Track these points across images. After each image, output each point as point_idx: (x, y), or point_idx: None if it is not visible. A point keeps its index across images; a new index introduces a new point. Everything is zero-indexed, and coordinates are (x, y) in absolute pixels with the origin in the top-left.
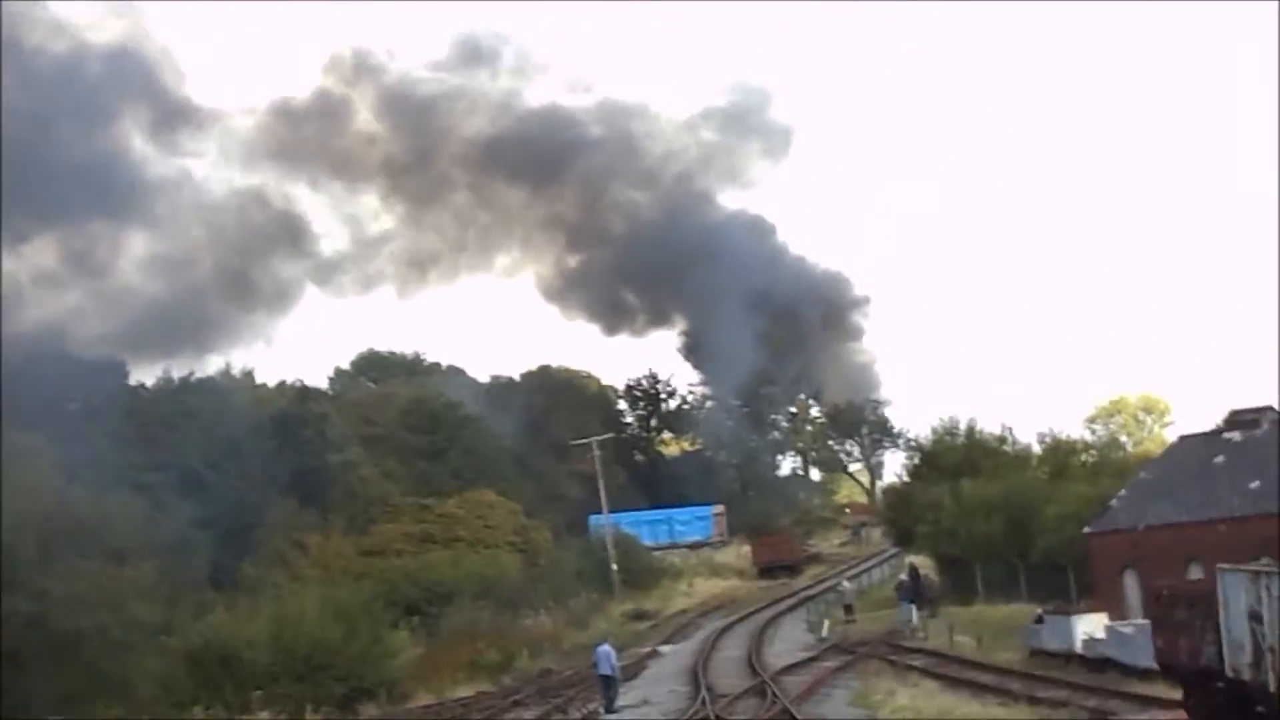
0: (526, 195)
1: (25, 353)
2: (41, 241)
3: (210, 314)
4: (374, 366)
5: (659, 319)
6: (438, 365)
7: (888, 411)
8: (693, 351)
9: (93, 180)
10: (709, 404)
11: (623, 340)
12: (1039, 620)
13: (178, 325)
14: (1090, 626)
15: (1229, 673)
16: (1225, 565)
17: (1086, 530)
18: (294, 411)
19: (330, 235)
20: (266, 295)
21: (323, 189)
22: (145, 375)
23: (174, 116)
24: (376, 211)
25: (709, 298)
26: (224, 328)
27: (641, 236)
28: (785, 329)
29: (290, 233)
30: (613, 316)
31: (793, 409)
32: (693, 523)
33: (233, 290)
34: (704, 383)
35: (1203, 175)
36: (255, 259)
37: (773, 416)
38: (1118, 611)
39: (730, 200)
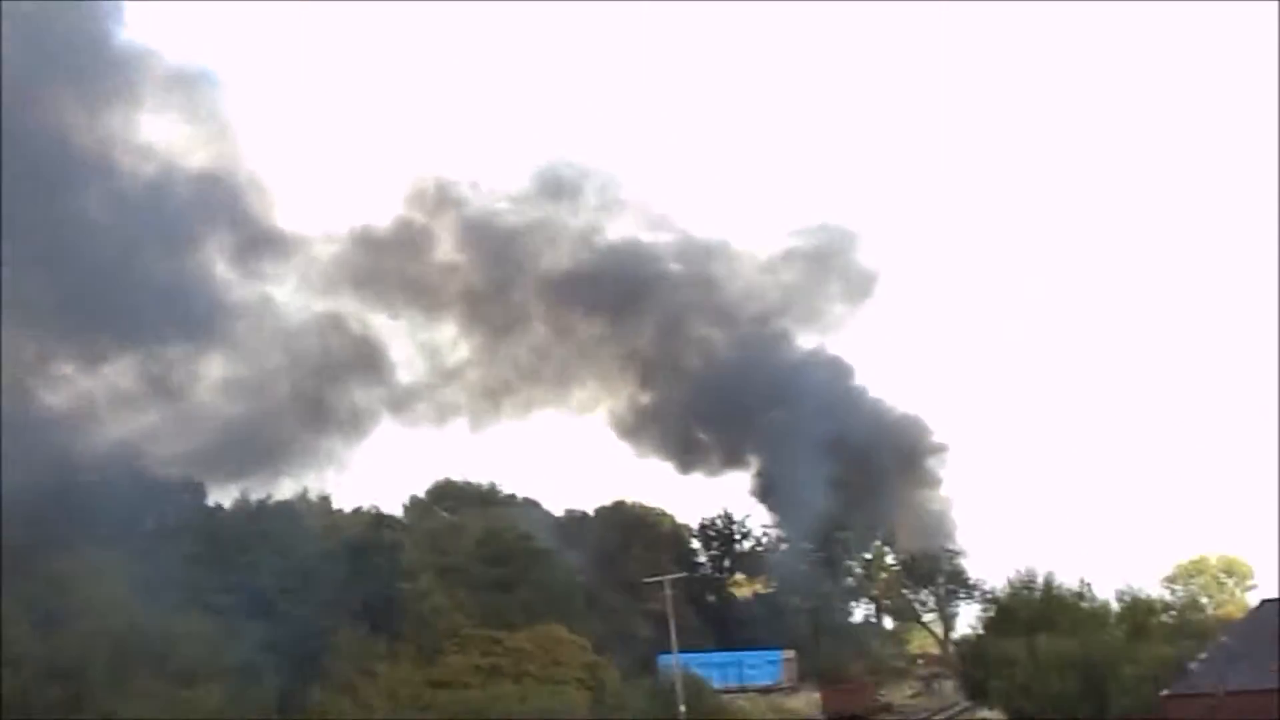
0: (603, 330)
1: (102, 471)
2: (121, 362)
3: (285, 437)
4: (449, 496)
5: (733, 459)
6: (512, 497)
7: (963, 561)
8: (766, 493)
9: (174, 303)
10: (782, 546)
11: (698, 478)
12: None
13: (252, 447)
14: None
15: None
16: None
17: (1165, 693)
18: (368, 538)
19: (407, 364)
20: (342, 420)
21: (401, 317)
22: (222, 497)
23: (257, 242)
24: (454, 341)
25: (783, 439)
26: (299, 451)
27: (717, 375)
28: (860, 473)
29: (367, 359)
30: (686, 455)
31: (867, 555)
32: (763, 666)
33: (308, 415)
34: (777, 525)
35: None
36: (331, 384)
37: (847, 562)
38: None
39: (809, 340)
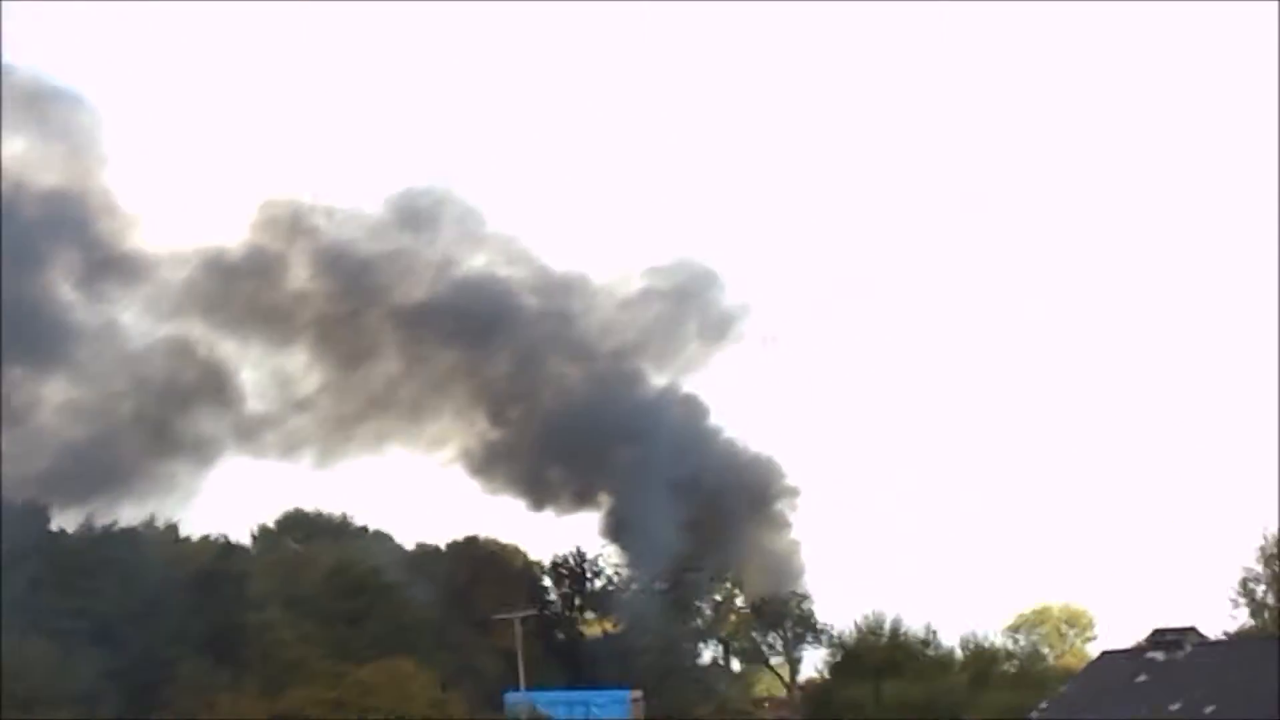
0: (457, 363)
1: None
2: None
3: (129, 462)
4: (299, 526)
5: (584, 497)
6: (364, 529)
7: (811, 605)
8: (617, 532)
9: (16, 323)
10: (633, 586)
11: (550, 516)
12: None
13: (96, 472)
14: None
15: None
16: None
17: None
18: (215, 567)
19: (257, 393)
20: (187, 447)
21: (251, 344)
22: (66, 522)
23: (105, 263)
24: (305, 370)
25: (635, 478)
26: (143, 477)
27: (570, 412)
28: (712, 514)
29: (214, 386)
30: (538, 492)
31: (717, 597)
32: (610, 707)
33: (153, 440)
34: (628, 564)
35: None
36: (177, 410)
37: (697, 603)
38: None
39: (666, 379)
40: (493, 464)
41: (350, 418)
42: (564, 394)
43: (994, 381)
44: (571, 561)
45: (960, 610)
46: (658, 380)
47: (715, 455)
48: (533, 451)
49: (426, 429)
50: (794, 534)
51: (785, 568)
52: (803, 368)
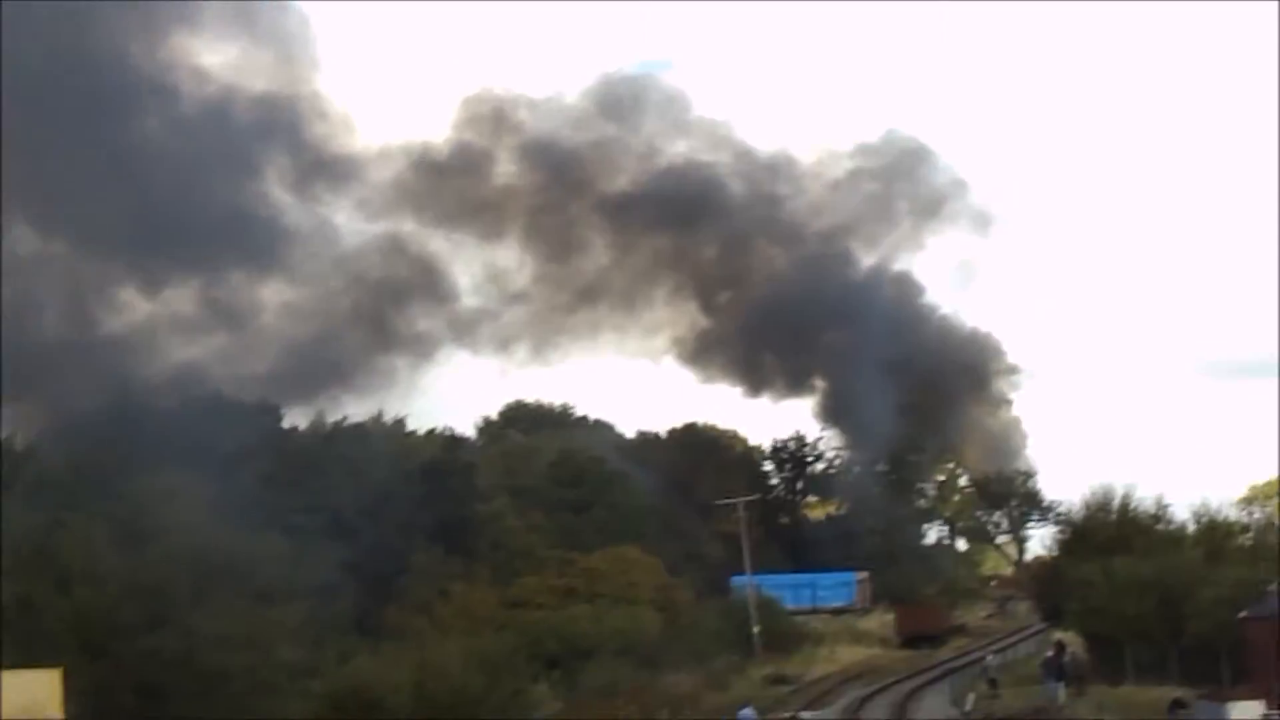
0: (665, 251)
1: (172, 395)
2: (182, 287)
3: (351, 359)
4: (521, 418)
5: (799, 382)
6: (584, 419)
7: (1037, 483)
8: (834, 415)
9: (234, 227)
10: (855, 470)
11: (768, 401)
12: (1178, 706)
13: (319, 370)
14: (1246, 713)
15: None
16: None
17: (1242, 615)
18: (442, 460)
19: (468, 289)
20: (406, 342)
21: (461, 241)
22: (297, 419)
23: (317, 165)
24: (515, 264)
25: (850, 360)
26: (365, 372)
27: (781, 296)
28: (930, 394)
29: (428, 282)
30: (752, 378)
31: (940, 477)
32: (836, 588)
33: (372, 336)
34: (848, 447)
35: None
36: (393, 306)
37: (919, 485)
38: (1274, 701)
39: (876, 258)
40: (706, 351)
41: (562, 309)
42: (774, 278)
43: (1219, 250)
44: (791, 446)
45: (1192, 485)
46: (868, 260)
47: (930, 334)
48: (744, 337)
49: (639, 318)
50: (1015, 411)
51: (1007, 445)
52: (1020, 244)
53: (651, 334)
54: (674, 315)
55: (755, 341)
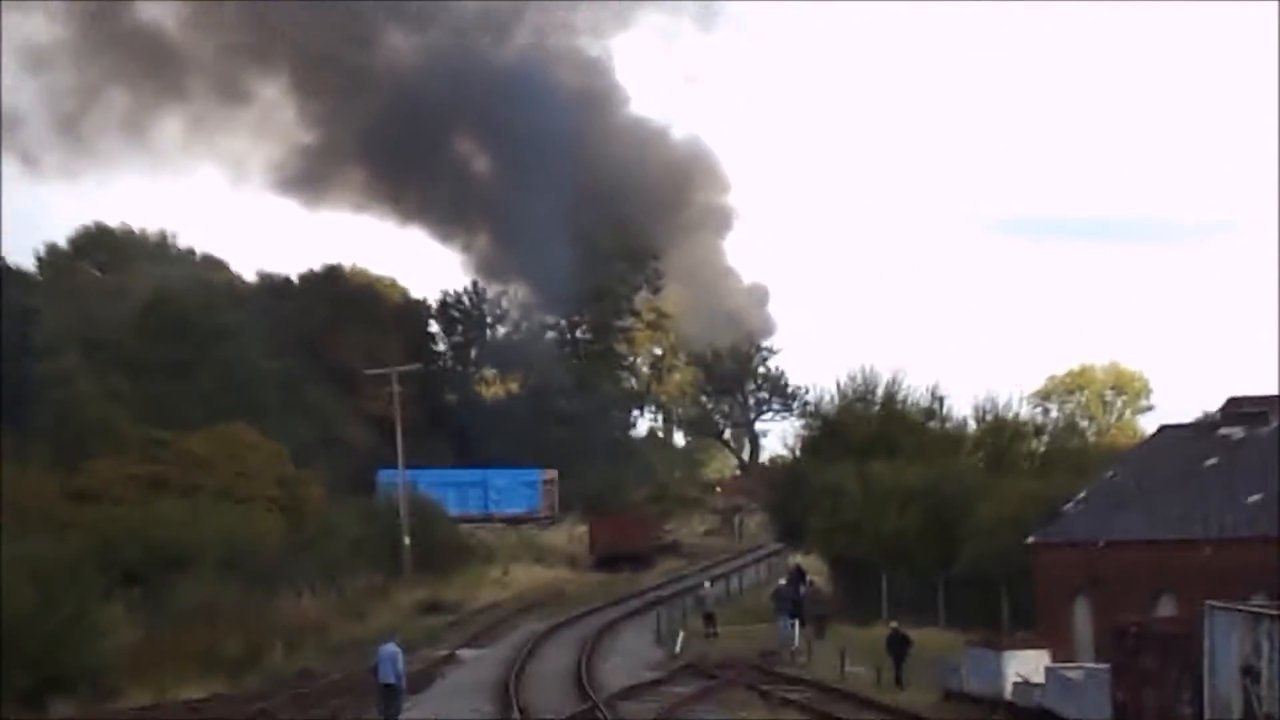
0: (253, 42)
1: None
2: None
3: None
4: (102, 248)
5: (455, 219)
6: (190, 253)
7: (778, 364)
8: (502, 263)
9: None
10: (548, 336)
11: (436, 247)
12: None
13: None
14: (1025, 666)
15: None
16: (1216, 602)
17: (1030, 540)
18: None
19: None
20: None
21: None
22: None
23: None
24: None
25: (522, 183)
26: None
27: (411, 94)
28: (634, 235)
29: None
30: (394, 205)
31: (655, 349)
32: (514, 490)
33: None
34: (535, 308)
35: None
36: None
37: (626, 359)
38: (1063, 649)
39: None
40: (317, 172)
41: (128, 111)
42: (401, 73)
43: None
44: (466, 302)
45: (973, 374)
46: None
47: (621, 143)
48: (366, 152)
49: (236, 120)
50: (751, 273)
51: (742, 313)
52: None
53: (251, 147)
54: (271, 123)
55: (380, 157)
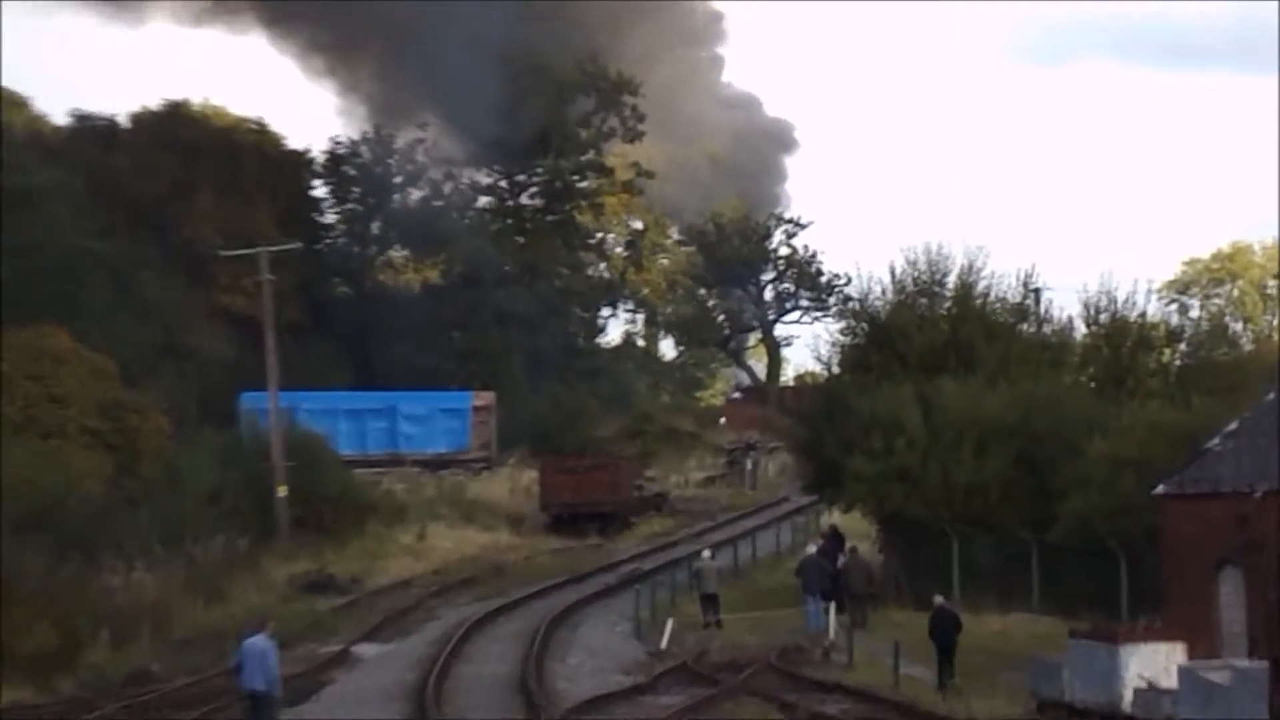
0: None
1: None
2: None
3: None
4: None
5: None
6: None
7: (806, 242)
8: (407, 89)
9: None
10: (482, 201)
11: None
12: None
13: None
14: (1151, 665)
15: None
16: None
17: (1159, 490)
18: None
19: None
20: None
21: None
22: None
23: None
24: None
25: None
26: None
27: None
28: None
29: None
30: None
31: (636, 221)
32: (434, 421)
33: None
34: (468, 162)
35: None
36: None
37: (591, 233)
38: (1204, 641)
39: None
40: None
41: None
42: None
43: None
44: (364, 154)
45: (1081, 259)
46: None
47: None
48: None
49: None
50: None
51: (753, 165)
52: None
53: None
54: None
55: None
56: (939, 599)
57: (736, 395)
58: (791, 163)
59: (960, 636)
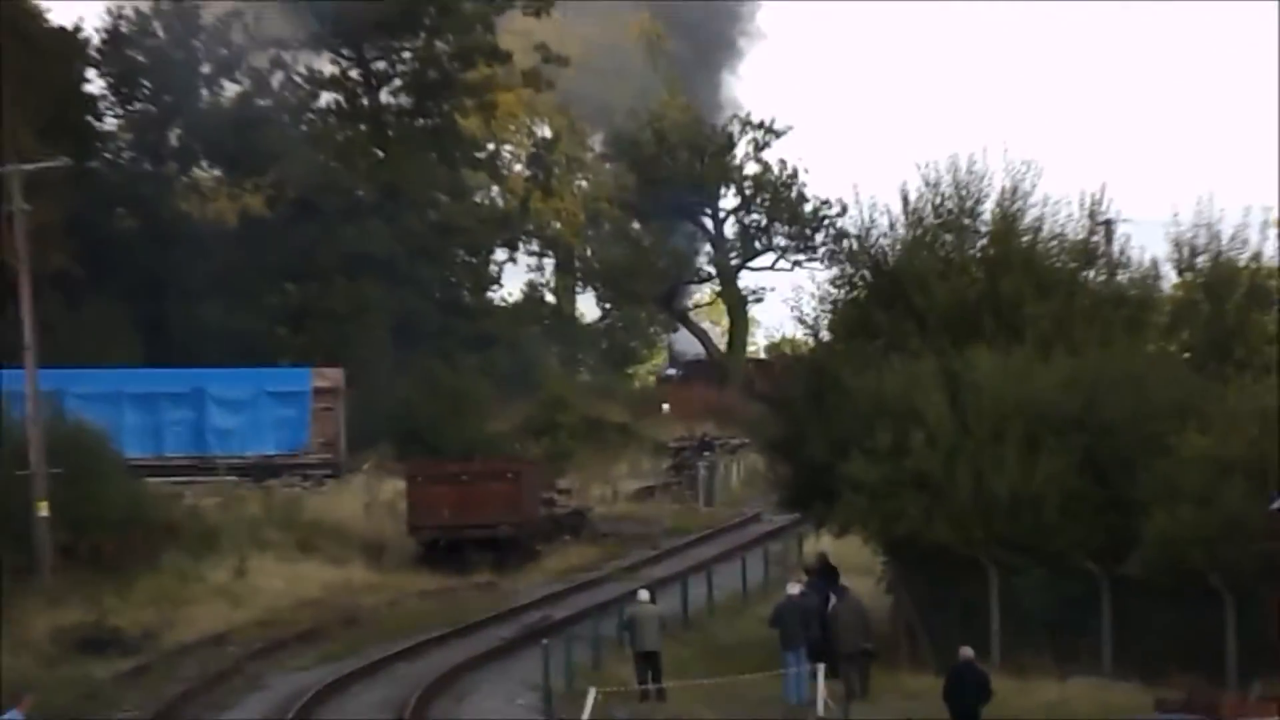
0: None
1: None
2: None
3: None
4: None
5: None
6: None
7: (783, 153)
8: None
9: None
10: (322, 101)
11: None
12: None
13: None
14: None
15: None
16: None
17: (1277, 505)
18: None
19: None
20: None
21: None
22: None
23: None
24: None
25: None
26: None
27: None
28: None
29: None
30: None
31: (545, 130)
32: (257, 410)
33: None
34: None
35: None
36: None
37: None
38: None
39: None
40: None
41: None
42: None
43: None
44: (157, 31)
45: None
46: None
47: None
48: None
49: None
50: None
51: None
52: None
53: None
54: None
55: None
56: (966, 651)
57: (680, 373)
58: (760, 46)
59: (987, 707)
